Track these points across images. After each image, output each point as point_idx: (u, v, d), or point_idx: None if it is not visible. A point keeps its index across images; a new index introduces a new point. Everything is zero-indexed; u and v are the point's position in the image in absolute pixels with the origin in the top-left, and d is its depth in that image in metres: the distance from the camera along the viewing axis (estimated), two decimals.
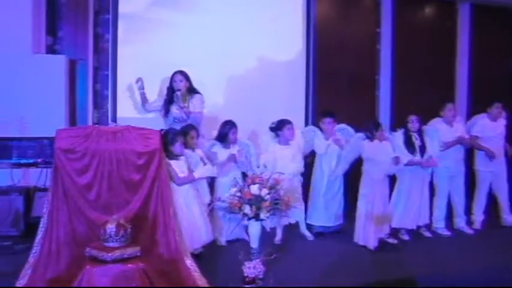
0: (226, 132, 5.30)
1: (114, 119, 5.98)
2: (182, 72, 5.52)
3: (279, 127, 5.44)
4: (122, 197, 4.06)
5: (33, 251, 3.90)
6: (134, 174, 4.07)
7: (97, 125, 5.24)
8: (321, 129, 5.69)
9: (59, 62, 5.80)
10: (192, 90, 5.52)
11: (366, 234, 5.23)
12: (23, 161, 5.68)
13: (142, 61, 6.06)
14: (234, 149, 5.32)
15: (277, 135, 5.46)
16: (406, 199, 5.58)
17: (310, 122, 6.61)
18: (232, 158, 5.25)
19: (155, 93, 5.81)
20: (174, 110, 5.43)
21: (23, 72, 5.63)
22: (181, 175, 4.62)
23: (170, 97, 5.50)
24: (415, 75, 7.33)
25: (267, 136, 5.55)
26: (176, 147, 4.66)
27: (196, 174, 4.74)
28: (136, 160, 4.08)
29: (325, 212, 5.65)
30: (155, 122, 5.47)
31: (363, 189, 5.33)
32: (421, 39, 7.42)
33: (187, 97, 5.46)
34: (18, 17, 5.71)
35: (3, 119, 5.42)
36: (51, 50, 6.10)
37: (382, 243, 5.27)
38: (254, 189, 4.23)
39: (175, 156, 4.65)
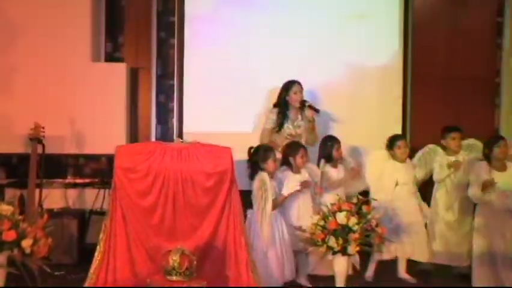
0: (329, 150, 5.30)
1: (180, 135, 6.14)
2: (299, 83, 5.59)
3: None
4: (188, 223, 4.13)
5: (87, 283, 4.01)
6: (202, 197, 4.13)
7: (160, 142, 5.38)
8: (443, 148, 5.51)
9: (119, 71, 6.06)
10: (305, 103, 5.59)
11: (484, 278, 5.01)
12: (78, 181, 5.93)
13: (212, 68, 6.19)
14: (341, 169, 5.32)
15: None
16: None
17: (408, 136, 6.44)
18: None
19: (226, 103, 5.87)
20: (289, 125, 5.52)
21: (80, 83, 5.91)
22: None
23: (284, 111, 5.56)
24: None
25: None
26: (269, 165, 4.75)
27: (285, 191, 4.81)
28: (205, 181, 4.13)
29: (441, 247, 5.43)
30: (227, 138, 5.48)
31: (477, 221, 5.10)
32: None
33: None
34: (76, 22, 6.00)
35: (59, 133, 5.68)
36: (111, 57, 6.35)
37: None
38: (340, 217, 4.20)
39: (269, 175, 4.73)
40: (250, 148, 4.87)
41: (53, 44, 5.91)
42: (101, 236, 4.12)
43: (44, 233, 4.29)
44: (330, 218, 4.25)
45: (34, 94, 5.84)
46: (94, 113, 5.87)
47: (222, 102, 5.85)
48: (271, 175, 4.77)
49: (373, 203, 4.57)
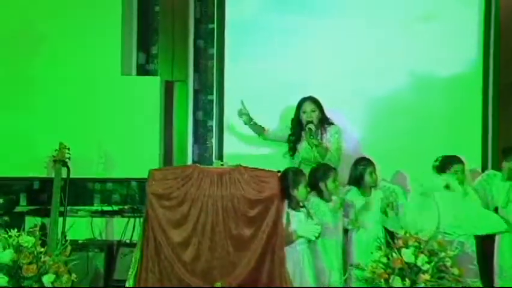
0: (360, 174, 5.20)
1: (220, 157, 6.08)
2: (313, 100, 5.49)
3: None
4: (228, 258, 4.13)
5: None
6: (244, 228, 4.14)
7: (198, 164, 5.32)
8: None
9: (152, 85, 6.05)
10: (325, 121, 5.50)
11: None
12: (106, 208, 5.95)
13: (256, 81, 6.14)
14: (375, 196, 5.19)
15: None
16: None
17: (490, 161, 6.26)
18: (367, 207, 5.13)
19: (274, 123, 5.81)
20: (303, 148, 5.42)
21: (109, 98, 5.92)
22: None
23: (297, 132, 5.50)
24: None
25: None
26: (300, 192, 4.63)
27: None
28: (248, 210, 4.15)
29: None
30: (274, 160, 5.50)
31: None
32: None
33: (320, 131, 5.43)
34: (104, 31, 6.04)
35: (84, 155, 5.66)
36: (143, 70, 6.42)
37: None
38: (407, 254, 4.05)
39: (296, 205, 4.63)
40: (277, 172, 4.67)
41: (79, 55, 5.94)
42: (130, 271, 4.14)
43: (67, 268, 4.29)
44: (394, 254, 4.10)
45: (58, 111, 5.85)
46: (124, 132, 5.85)
47: (268, 120, 5.76)
48: (302, 203, 4.67)
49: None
